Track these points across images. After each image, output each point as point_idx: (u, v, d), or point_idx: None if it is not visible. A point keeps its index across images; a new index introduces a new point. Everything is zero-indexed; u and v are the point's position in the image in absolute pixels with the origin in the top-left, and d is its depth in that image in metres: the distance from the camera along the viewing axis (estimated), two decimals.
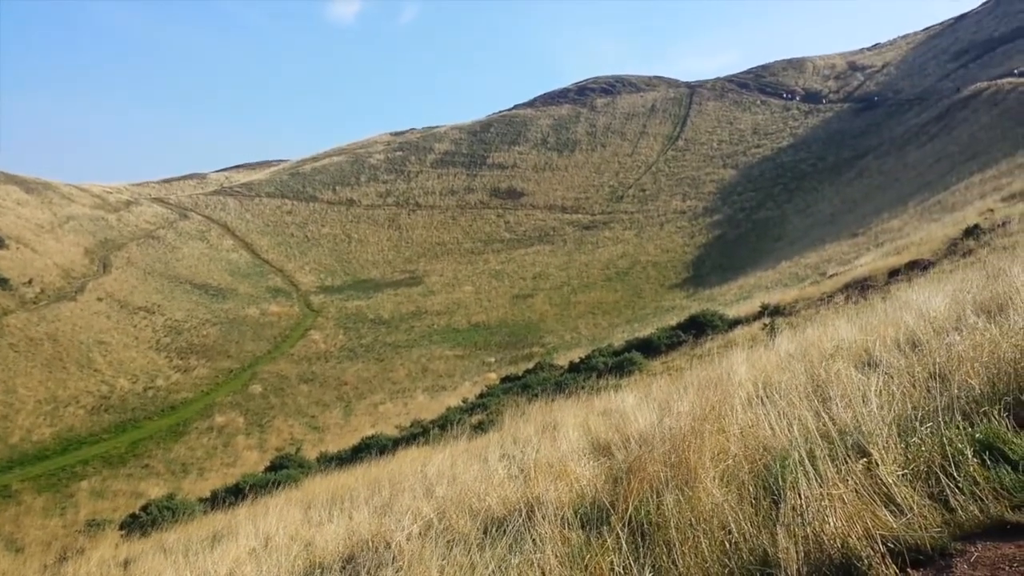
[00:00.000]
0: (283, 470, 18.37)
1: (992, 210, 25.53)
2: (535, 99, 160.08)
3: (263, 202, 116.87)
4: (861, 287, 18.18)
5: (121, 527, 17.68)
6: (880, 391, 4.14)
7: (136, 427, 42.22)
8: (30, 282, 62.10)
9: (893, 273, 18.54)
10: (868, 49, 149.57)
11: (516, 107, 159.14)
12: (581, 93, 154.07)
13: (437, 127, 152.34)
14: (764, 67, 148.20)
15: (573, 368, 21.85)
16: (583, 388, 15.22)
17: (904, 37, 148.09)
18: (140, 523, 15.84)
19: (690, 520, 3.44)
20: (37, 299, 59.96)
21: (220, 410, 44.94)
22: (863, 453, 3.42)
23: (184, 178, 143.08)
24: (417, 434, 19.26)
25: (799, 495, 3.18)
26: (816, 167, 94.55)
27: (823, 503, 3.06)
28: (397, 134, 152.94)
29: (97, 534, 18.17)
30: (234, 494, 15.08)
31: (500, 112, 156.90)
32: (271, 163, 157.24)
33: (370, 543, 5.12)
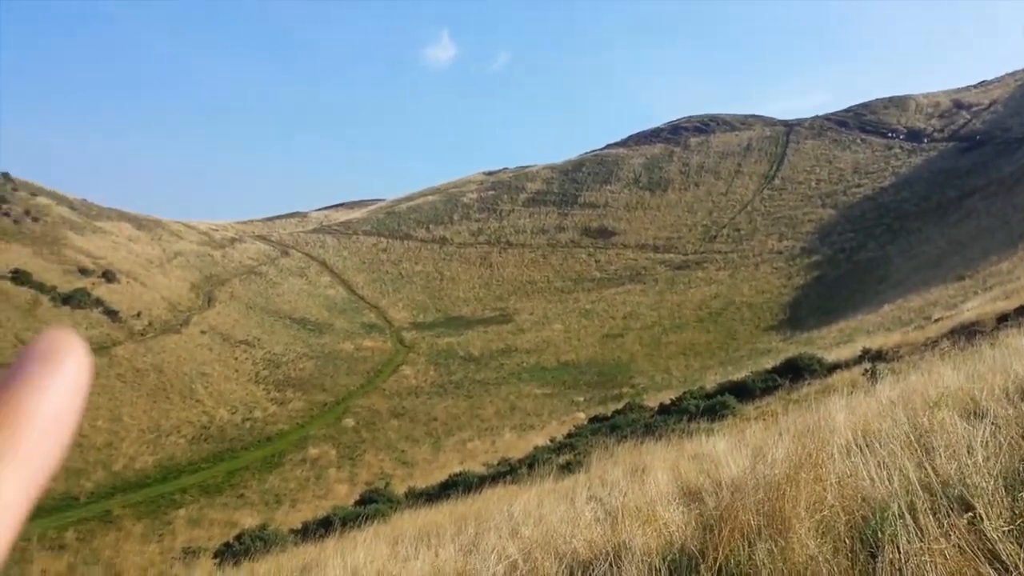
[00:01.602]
0: (372, 504, 18.60)
1: None
2: (627, 138, 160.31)
3: (360, 240, 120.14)
4: (968, 333, 17.37)
5: (215, 556, 18.20)
6: (987, 442, 3.94)
7: (233, 457, 43.53)
8: (138, 315, 65.22)
9: (1002, 319, 17.67)
10: (974, 87, 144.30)
11: (608, 146, 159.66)
12: (674, 132, 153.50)
13: (529, 166, 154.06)
14: (864, 105, 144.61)
15: (663, 410, 21.51)
16: (673, 431, 14.96)
17: (1012, 74, 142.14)
18: (233, 552, 16.28)
19: (783, 571, 3.34)
20: (144, 331, 62.90)
21: (314, 442, 45.94)
22: (967, 507, 3.25)
23: (286, 216, 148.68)
24: (504, 472, 19.25)
25: (898, 549, 3.05)
26: (920, 207, 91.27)
27: (923, 558, 2.93)
28: (490, 173, 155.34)
29: (192, 562, 18.74)
30: (324, 526, 15.34)
31: (592, 152, 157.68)
32: (368, 202, 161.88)
33: None
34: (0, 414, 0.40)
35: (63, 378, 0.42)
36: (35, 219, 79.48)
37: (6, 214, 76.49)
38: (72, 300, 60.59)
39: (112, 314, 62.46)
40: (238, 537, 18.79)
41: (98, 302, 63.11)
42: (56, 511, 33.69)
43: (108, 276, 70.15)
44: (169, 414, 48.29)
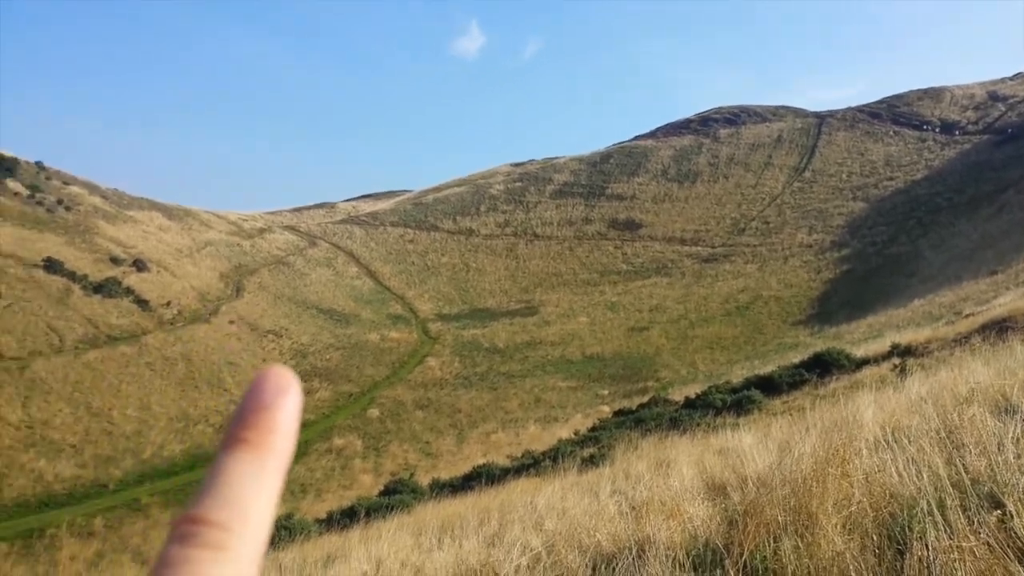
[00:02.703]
0: (396, 495, 18.69)
1: None
2: (656, 130, 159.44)
3: (387, 231, 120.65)
4: (1000, 328, 17.09)
5: None
6: (1018, 439, 3.87)
7: None
8: (168, 304, 66.00)
9: None
10: (1010, 79, 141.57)
11: (636, 138, 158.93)
12: (704, 123, 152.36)
13: (557, 158, 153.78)
14: (898, 97, 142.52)
15: (689, 404, 21.40)
16: (699, 425, 14.88)
17: None
18: None
19: (809, 568, 3.31)
20: (174, 320, 63.66)
21: (339, 433, 46.28)
22: (997, 504, 3.19)
23: (314, 207, 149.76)
24: (528, 465, 19.26)
25: (926, 546, 3.00)
26: (952, 201, 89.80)
27: (952, 556, 2.88)
28: (517, 165, 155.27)
29: None
30: (349, 516, 15.44)
31: (620, 143, 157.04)
32: (396, 193, 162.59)
33: (478, 573, 5.13)
34: (265, 428, 0.54)
35: (294, 403, 0.55)
36: (68, 208, 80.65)
37: (39, 203, 77.68)
38: (103, 289, 61.41)
39: (142, 303, 63.25)
40: None
41: (129, 291, 63.92)
42: (85, 498, 34.22)
43: (139, 265, 71.04)
44: (197, 403, 48.84)
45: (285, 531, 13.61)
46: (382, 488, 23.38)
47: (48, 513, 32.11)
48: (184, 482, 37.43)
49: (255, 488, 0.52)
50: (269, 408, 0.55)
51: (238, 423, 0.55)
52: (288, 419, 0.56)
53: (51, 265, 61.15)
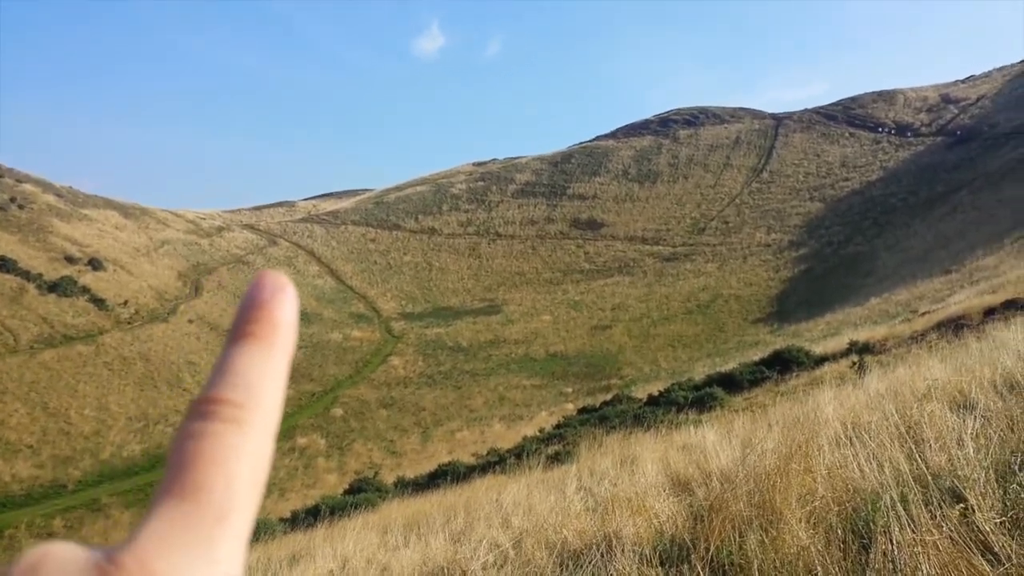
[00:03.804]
0: (361, 493, 18.59)
1: None
2: (617, 130, 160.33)
3: (348, 230, 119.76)
4: (955, 326, 17.47)
5: None
6: (977, 434, 3.97)
7: None
8: (125, 303, 64.86)
9: (989, 312, 17.77)
10: (962, 81, 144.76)
11: (597, 138, 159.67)
12: (664, 124, 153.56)
13: (519, 158, 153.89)
14: (853, 99, 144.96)
15: (652, 401, 21.57)
16: (662, 422, 15.00)
17: (1000, 69, 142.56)
18: None
19: (774, 562, 3.35)
20: (131, 319, 62.57)
21: (302, 432, 45.85)
22: (958, 499, 3.27)
23: (274, 206, 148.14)
24: (493, 463, 19.27)
25: (890, 540, 3.06)
26: (907, 201, 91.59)
27: (916, 549, 2.94)
28: (479, 164, 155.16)
29: None
30: (313, 515, 15.33)
31: (581, 143, 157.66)
32: (357, 192, 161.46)
33: (445, 570, 5.13)
34: (267, 322, 0.58)
35: (291, 299, 0.59)
36: (21, 206, 78.87)
37: None
38: (59, 288, 60.17)
39: (99, 302, 62.08)
40: None
41: (85, 290, 62.71)
42: (44, 499, 33.59)
43: (94, 264, 69.71)
44: (157, 403, 48.08)
45: None
46: (347, 487, 23.24)
47: (6, 514, 31.49)
48: (144, 482, 36.83)
49: (264, 371, 0.56)
50: (269, 304, 0.59)
51: (241, 319, 0.58)
52: (287, 313, 0.59)
53: (4, 264, 59.78)
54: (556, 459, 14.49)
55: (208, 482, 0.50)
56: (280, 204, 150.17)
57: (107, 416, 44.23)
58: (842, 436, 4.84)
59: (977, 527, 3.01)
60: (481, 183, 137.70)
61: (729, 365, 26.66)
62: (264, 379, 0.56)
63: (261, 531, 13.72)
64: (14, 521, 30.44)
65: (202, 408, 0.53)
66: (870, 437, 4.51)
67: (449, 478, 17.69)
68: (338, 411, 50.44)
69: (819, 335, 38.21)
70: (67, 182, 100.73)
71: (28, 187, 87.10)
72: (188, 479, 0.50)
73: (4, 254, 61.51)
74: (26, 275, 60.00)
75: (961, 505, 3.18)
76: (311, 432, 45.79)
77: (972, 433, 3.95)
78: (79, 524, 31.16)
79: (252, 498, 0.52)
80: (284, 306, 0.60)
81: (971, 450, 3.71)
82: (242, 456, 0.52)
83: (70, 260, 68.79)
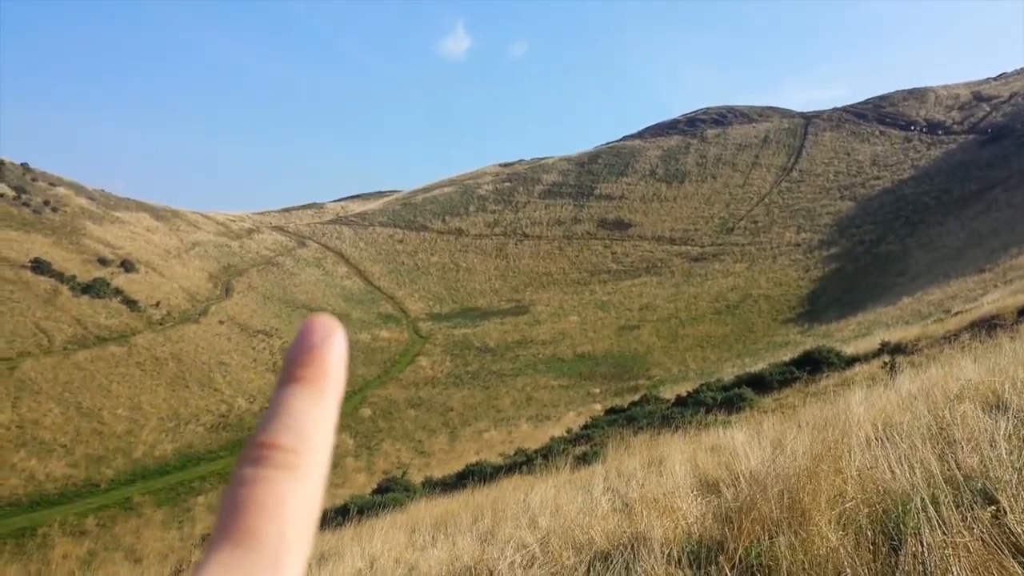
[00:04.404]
0: (389, 493, 18.69)
1: None
2: (643, 130, 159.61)
3: (376, 231, 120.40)
4: (988, 326, 17.21)
5: None
6: (1010, 435, 3.91)
7: None
8: (157, 304, 65.71)
9: (1023, 312, 17.50)
10: (994, 79, 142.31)
11: (624, 138, 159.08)
12: (691, 124, 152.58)
13: (545, 158, 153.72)
14: (883, 97, 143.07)
15: (680, 402, 21.45)
16: (690, 423, 14.93)
17: None
18: None
19: (803, 564, 3.33)
20: (163, 320, 63.38)
21: None
22: (990, 500, 3.23)
23: (303, 208, 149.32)
24: (521, 463, 19.27)
25: (921, 542, 3.03)
26: (940, 200, 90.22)
27: (946, 551, 2.91)
28: (506, 165, 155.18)
29: None
30: (342, 514, 15.42)
31: (608, 143, 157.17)
32: (385, 193, 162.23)
33: (473, 570, 5.15)
34: (318, 366, 0.59)
35: (341, 344, 0.61)
36: (54, 209, 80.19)
37: (25, 204, 77.22)
38: (92, 290, 61.10)
39: (131, 303, 62.95)
40: None
41: (117, 292, 63.62)
42: (77, 497, 34.09)
43: (127, 266, 70.70)
44: (188, 402, 48.65)
45: None
46: (375, 486, 23.36)
47: (40, 512, 31.99)
48: (176, 481, 37.29)
49: (315, 416, 0.57)
50: (319, 348, 0.60)
51: (292, 362, 0.60)
52: (337, 358, 0.61)
53: (39, 266, 60.82)
54: (583, 460, 14.47)
55: (263, 529, 0.51)
56: (308, 206, 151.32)
57: (139, 416, 44.81)
58: (873, 437, 4.80)
59: (1009, 529, 2.97)
60: (508, 184, 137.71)
61: (758, 366, 26.46)
62: (316, 424, 0.57)
63: None
64: (48, 519, 30.94)
65: (255, 453, 0.55)
66: (901, 438, 4.46)
67: (476, 478, 17.72)
68: (367, 411, 50.73)
69: (850, 335, 37.82)
70: (98, 185, 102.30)
71: (61, 190, 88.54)
72: (243, 525, 0.51)
73: (38, 256, 62.57)
74: (60, 277, 60.98)
75: (992, 507, 3.14)
76: (340, 432, 45.82)
77: (1005, 434, 3.90)
78: (112, 523, 31.60)
79: (305, 544, 0.53)
80: (334, 351, 0.61)
81: (1003, 451, 3.67)
82: (295, 502, 0.53)
83: (103, 262, 69.82)
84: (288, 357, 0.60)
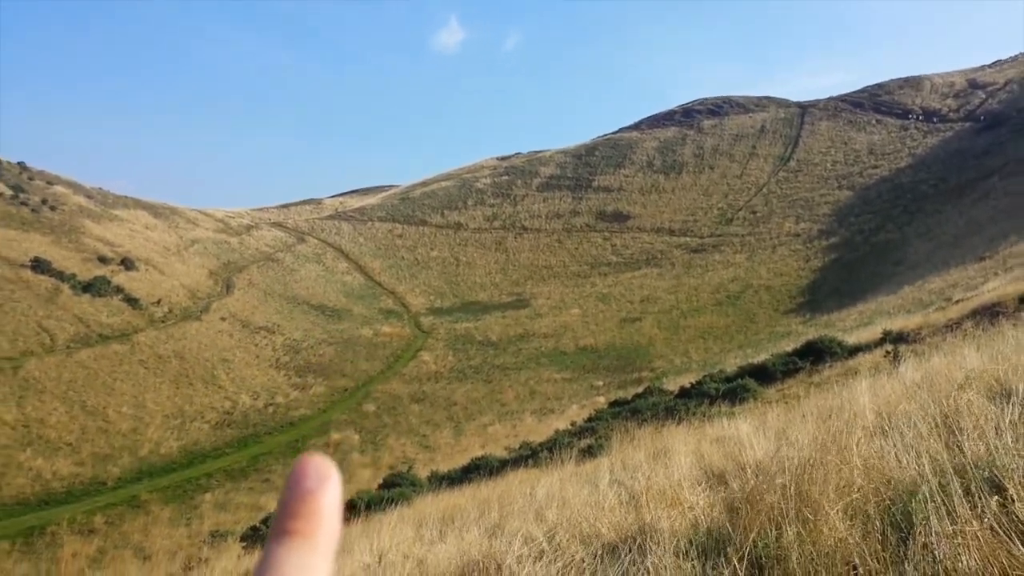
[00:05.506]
0: (396, 488, 18.74)
1: None
2: (640, 122, 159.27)
3: (375, 226, 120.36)
4: (990, 313, 17.24)
5: (242, 539, 18.43)
6: (1015, 423, 3.94)
7: (257, 442, 43.91)
8: (158, 302, 65.76)
9: None
10: (989, 66, 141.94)
11: (621, 130, 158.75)
12: (687, 115, 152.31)
13: (542, 151, 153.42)
14: (879, 86, 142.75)
15: (683, 393, 21.49)
16: (694, 414, 14.96)
17: None
18: (260, 535, 16.48)
19: (811, 554, 3.36)
20: (165, 318, 63.44)
21: (336, 427, 46.26)
22: (998, 488, 3.26)
23: (301, 203, 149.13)
24: (526, 456, 19.32)
25: (929, 531, 3.06)
26: (938, 188, 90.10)
27: (955, 540, 2.94)
28: (503, 158, 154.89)
29: (220, 545, 18.95)
30: (349, 509, 15.46)
31: (605, 135, 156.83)
32: (383, 188, 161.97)
33: (481, 564, 5.17)
34: (312, 516, 0.58)
35: (335, 489, 0.59)
36: (52, 208, 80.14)
37: (24, 203, 77.18)
38: (92, 288, 61.14)
39: (132, 301, 62.99)
40: (265, 521, 19.02)
41: (118, 290, 63.67)
42: (84, 496, 34.21)
43: (127, 264, 70.71)
44: (192, 400, 48.75)
45: None
46: (381, 481, 23.42)
47: (48, 511, 32.12)
48: (182, 479, 37.42)
49: (309, 572, 0.56)
50: (313, 495, 0.58)
51: (284, 513, 0.58)
52: (332, 504, 0.58)
53: (39, 265, 60.84)
54: (588, 452, 14.52)
55: None
56: (307, 202, 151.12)
57: (144, 413, 44.91)
58: (878, 427, 4.82)
59: (1017, 517, 3.00)
60: (506, 177, 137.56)
61: (761, 356, 26.52)
62: None
63: None
64: (56, 518, 31.04)
65: None
66: (907, 427, 4.49)
67: (482, 472, 17.78)
68: (371, 406, 50.81)
69: (852, 325, 37.85)
70: (96, 183, 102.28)
71: (59, 189, 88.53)
72: None
73: (38, 255, 62.59)
74: (60, 276, 61.02)
75: (1000, 495, 3.17)
76: (345, 428, 46.18)
77: (1010, 422, 3.92)
78: (120, 520, 31.72)
79: None
80: (328, 496, 0.59)
81: (1009, 439, 3.69)
82: None
83: (103, 260, 69.84)
84: (281, 503, 0.58)
